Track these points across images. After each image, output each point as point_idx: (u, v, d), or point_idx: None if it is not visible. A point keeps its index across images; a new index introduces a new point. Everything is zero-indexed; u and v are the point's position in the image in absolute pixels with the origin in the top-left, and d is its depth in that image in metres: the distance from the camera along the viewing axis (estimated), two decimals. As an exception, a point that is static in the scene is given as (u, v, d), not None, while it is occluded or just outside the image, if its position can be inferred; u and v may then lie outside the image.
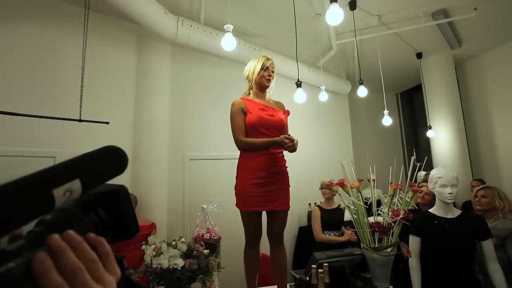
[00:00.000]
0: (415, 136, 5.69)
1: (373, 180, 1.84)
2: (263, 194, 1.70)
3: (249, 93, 1.89)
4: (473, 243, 1.77)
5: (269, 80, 1.83)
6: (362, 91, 3.44)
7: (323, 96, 3.60)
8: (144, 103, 3.22)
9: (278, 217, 1.76)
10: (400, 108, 6.02)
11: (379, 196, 2.13)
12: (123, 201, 0.37)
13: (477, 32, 3.81)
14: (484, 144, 4.25)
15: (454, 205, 1.90)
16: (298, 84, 2.78)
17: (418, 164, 1.85)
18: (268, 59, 1.85)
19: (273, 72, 1.85)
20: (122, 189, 0.38)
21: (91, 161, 0.34)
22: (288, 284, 1.91)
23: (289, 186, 1.84)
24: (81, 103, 2.18)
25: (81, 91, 2.19)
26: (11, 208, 0.25)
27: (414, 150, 5.50)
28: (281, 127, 1.83)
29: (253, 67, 1.83)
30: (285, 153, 1.87)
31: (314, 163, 3.90)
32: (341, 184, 1.84)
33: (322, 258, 1.76)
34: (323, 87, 3.64)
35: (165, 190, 3.18)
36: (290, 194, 1.82)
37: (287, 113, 1.94)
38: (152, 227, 2.69)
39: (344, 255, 1.86)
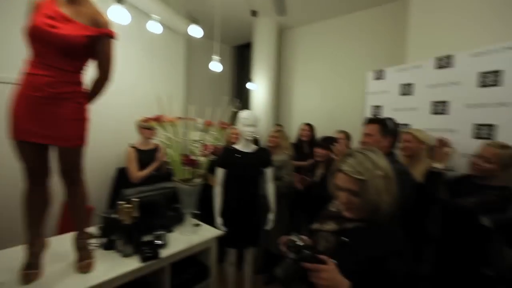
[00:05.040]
0: (241, 87, 6.42)
1: (197, 119, 1.92)
2: (32, 120, 1.29)
3: None
4: (259, 170, 2.28)
5: None
6: (196, 31, 3.35)
7: (154, 27, 3.22)
8: None
9: (61, 154, 1.39)
10: (234, 60, 6.54)
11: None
12: None
13: (299, 6, 4.47)
14: (285, 99, 5.46)
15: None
16: None
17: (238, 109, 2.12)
18: None
19: None
20: None
21: None
22: (97, 226, 1.78)
23: (78, 118, 1.39)
24: None
25: None
26: None
27: (240, 99, 6.26)
28: (68, 47, 1.29)
29: None
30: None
31: (139, 103, 3.53)
32: (158, 119, 1.79)
33: (132, 193, 1.71)
34: (157, 17, 3.25)
35: None
36: (83, 129, 1.41)
37: (101, 32, 1.40)
38: None
39: (156, 189, 1.89)
